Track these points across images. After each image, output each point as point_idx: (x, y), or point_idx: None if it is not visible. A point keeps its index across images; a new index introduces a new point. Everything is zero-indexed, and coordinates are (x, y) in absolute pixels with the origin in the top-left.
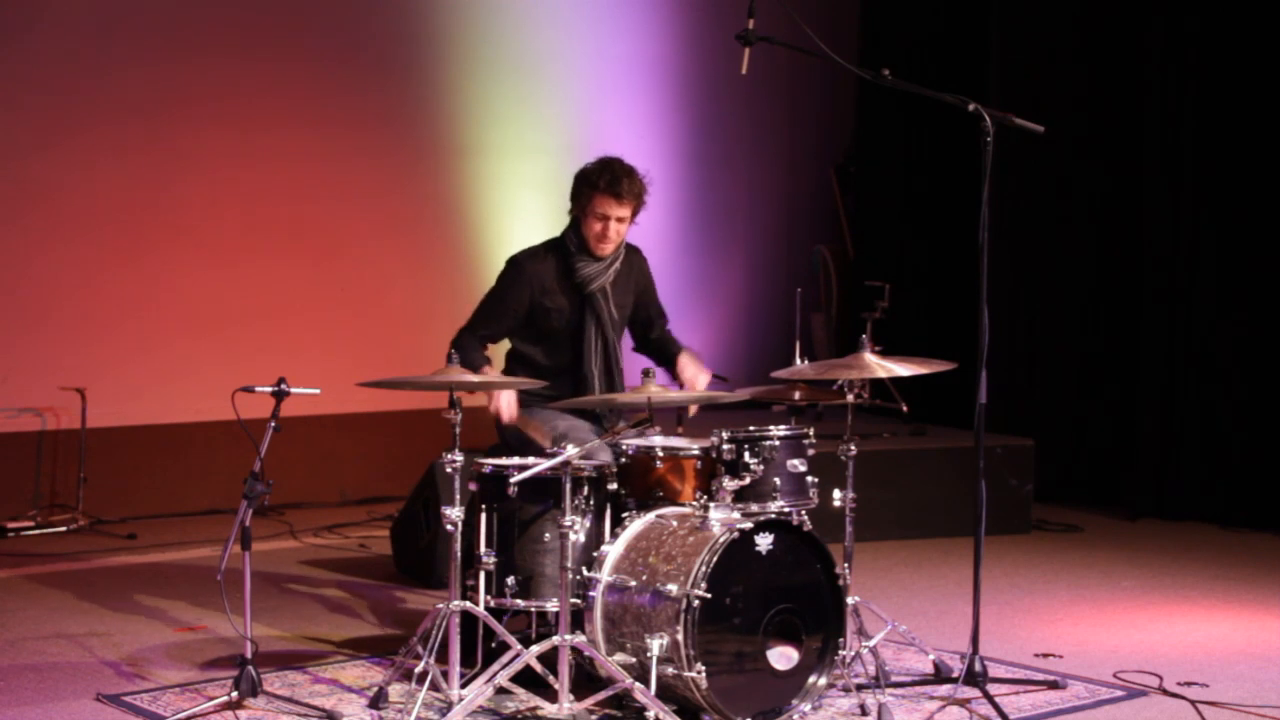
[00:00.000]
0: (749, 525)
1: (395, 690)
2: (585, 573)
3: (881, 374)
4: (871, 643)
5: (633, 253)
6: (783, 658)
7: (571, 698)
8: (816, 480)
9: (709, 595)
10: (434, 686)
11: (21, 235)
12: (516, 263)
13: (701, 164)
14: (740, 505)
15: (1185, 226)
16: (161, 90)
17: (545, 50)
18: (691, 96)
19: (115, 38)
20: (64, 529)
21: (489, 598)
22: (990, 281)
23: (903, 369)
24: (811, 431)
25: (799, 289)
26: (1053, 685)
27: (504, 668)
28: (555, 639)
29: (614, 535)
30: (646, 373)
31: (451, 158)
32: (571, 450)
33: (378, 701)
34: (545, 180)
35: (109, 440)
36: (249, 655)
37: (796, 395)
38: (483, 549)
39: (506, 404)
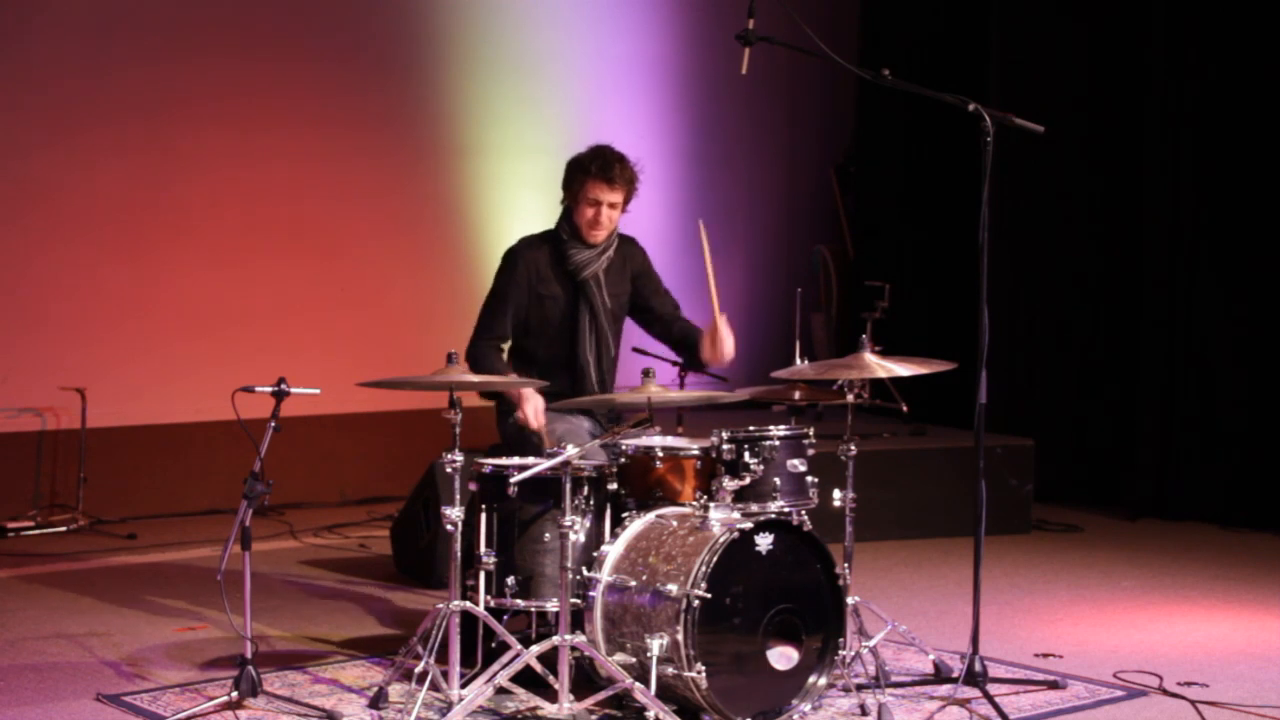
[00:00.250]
0: (749, 525)
1: (395, 690)
2: (585, 573)
3: (881, 374)
4: (871, 643)
5: (627, 242)
6: (783, 658)
7: (571, 698)
8: (816, 480)
9: (709, 595)
10: (434, 686)
11: (21, 235)
12: (513, 253)
13: (701, 164)
14: (740, 505)
15: (1185, 226)
16: (161, 90)
17: (545, 50)
18: (691, 96)
19: (115, 38)
20: (64, 529)
21: (489, 598)
22: (990, 281)
23: (903, 369)
24: (811, 431)
25: (799, 289)
26: (1053, 685)
27: (504, 668)
28: (555, 639)
29: (614, 535)
30: (647, 372)
31: (451, 158)
32: (571, 450)
33: (378, 701)
34: (545, 180)
35: (109, 440)
36: (249, 655)
37: (796, 395)
38: (483, 549)
39: (533, 412)
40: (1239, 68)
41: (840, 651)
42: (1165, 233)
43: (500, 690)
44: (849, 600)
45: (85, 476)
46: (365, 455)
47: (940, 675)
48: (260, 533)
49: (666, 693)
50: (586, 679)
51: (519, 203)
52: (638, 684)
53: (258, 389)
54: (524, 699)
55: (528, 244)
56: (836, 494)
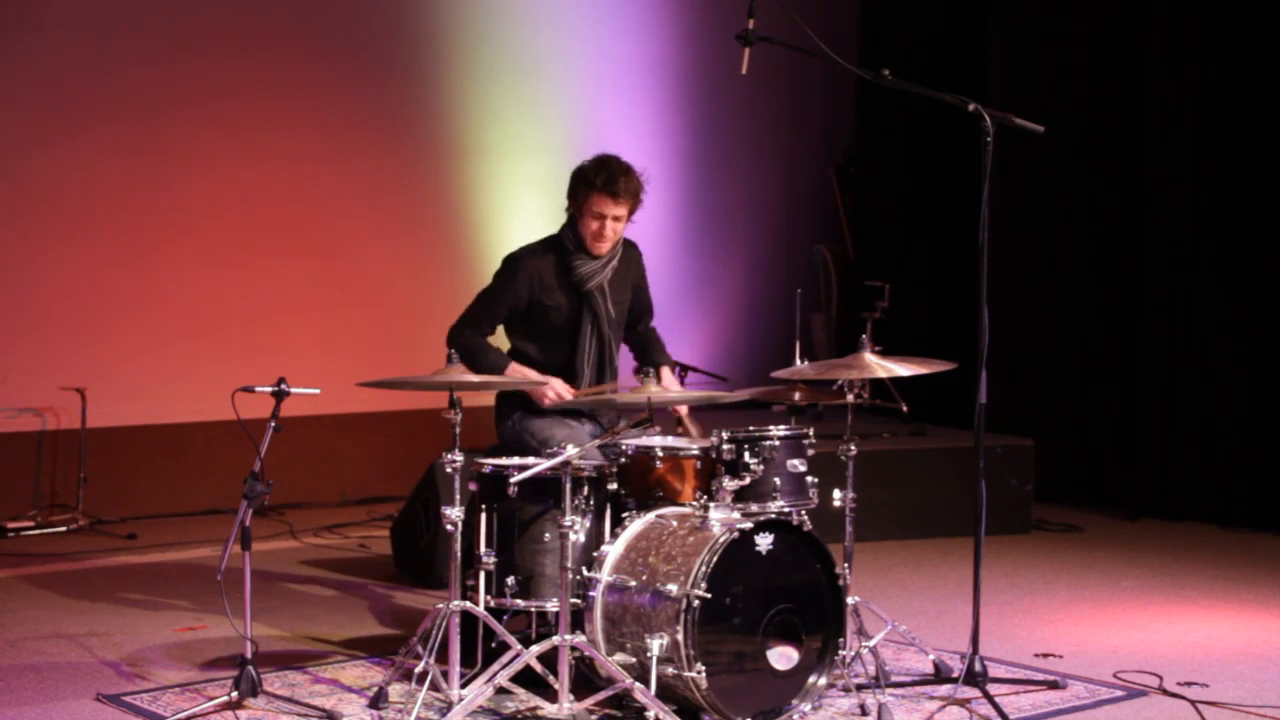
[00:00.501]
0: (749, 525)
1: (395, 690)
2: (585, 573)
3: (881, 374)
4: (871, 643)
5: (629, 248)
6: (783, 658)
7: (571, 698)
8: (816, 480)
9: (709, 595)
10: (434, 686)
11: (21, 235)
12: (515, 259)
13: (701, 164)
14: (740, 505)
15: (1185, 226)
16: (161, 90)
17: (545, 50)
18: (691, 96)
19: (115, 38)
20: (64, 529)
21: (489, 598)
22: (990, 281)
23: (903, 369)
24: (811, 431)
25: (799, 289)
26: (1053, 685)
27: (504, 668)
28: (555, 639)
29: (614, 535)
30: (647, 373)
31: (451, 158)
32: (571, 450)
33: (378, 701)
34: (545, 180)
35: (109, 440)
36: (249, 655)
37: (796, 395)
38: (483, 549)
39: (561, 389)
40: (1238, 68)
41: (840, 651)
42: (1165, 233)
43: (500, 690)
44: (849, 600)
45: (85, 476)
46: (365, 455)
47: (940, 675)
48: (260, 533)
49: (666, 693)
50: (586, 679)
51: (519, 203)
52: (638, 684)
53: (258, 389)
54: (524, 699)
55: (531, 252)
56: (836, 494)
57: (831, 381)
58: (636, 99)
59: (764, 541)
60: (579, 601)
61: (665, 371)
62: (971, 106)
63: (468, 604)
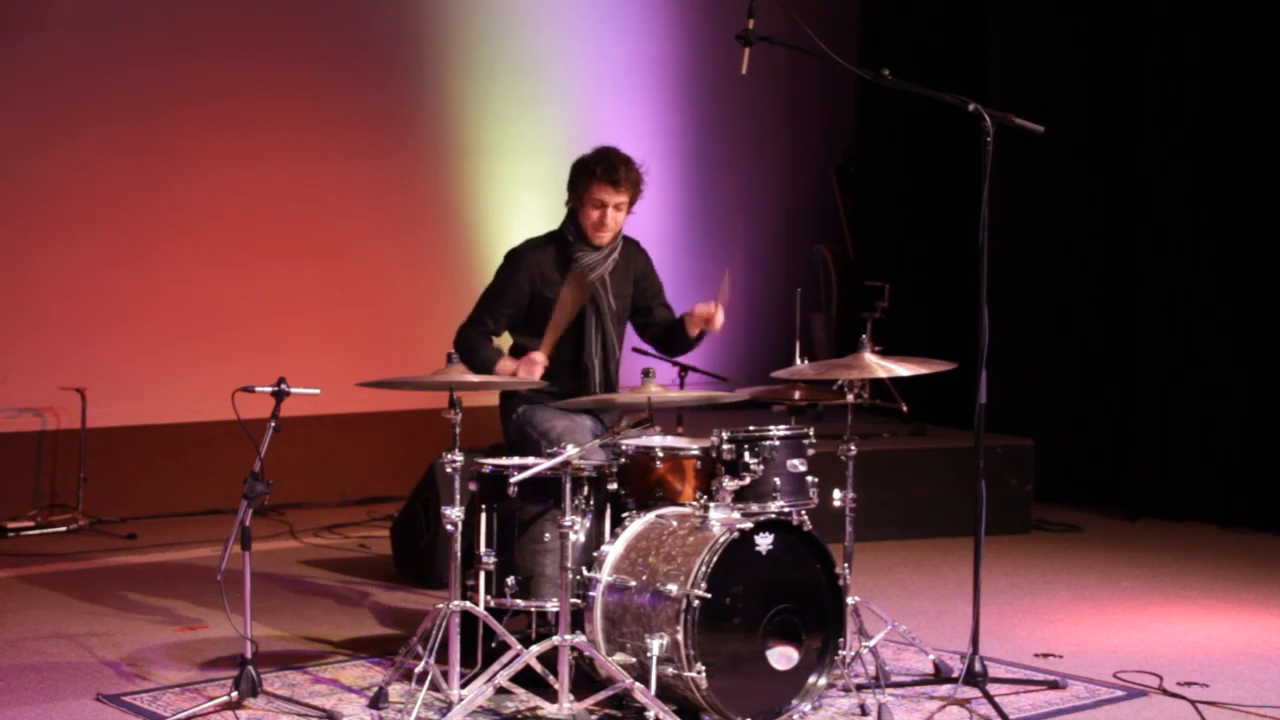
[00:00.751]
0: (749, 525)
1: (395, 690)
2: (585, 573)
3: (881, 374)
4: (871, 643)
5: (630, 244)
6: (783, 658)
7: (571, 698)
8: (816, 480)
9: (709, 595)
10: (434, 686)
11: (21, 235)
12: (516, 254)
13: (701, 164)
14: (740, 505)
15: (1185, 226)
16: (161, 90)
17: (545, 50)
18: (691, 96)
19: (115, 38)
20: (64, 529)
21: (489, 598)
22: (990, 281)
23: (903, 369)
24: (811, 431)
25: (799, 289)
26: (1053, 685)
27: (504, 668)
28: (555, 639)
29: (614, 535)
30: (647, 372)
31: (451, 158)
32: (571, 450)
33: (378, 701)
34: (545, 180)
35: (109, 440)
36: (249, 655)
37: (796, 395)
38: (483, 549)
39: (525, 365)
40: (1238, 67)
41: (840, 651)
42: (1165, 233)
43: (500, 690)
44: (849, 600)
45: (85, 476)
46: (365, 455)
47: (940, 675)
48: (260, 533)
49: (666, 693)
50: (586, 679)
51: (519, 203)
52: (638, 684)
53: (258, 389)
54: (524, 699)
55: (532, 245)
56: (836, 494)
57: (831, 381)
58: (636, 99)
59: (764, 541)
60: (579, 601)
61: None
62: (971, 106)
63: (468, 604)
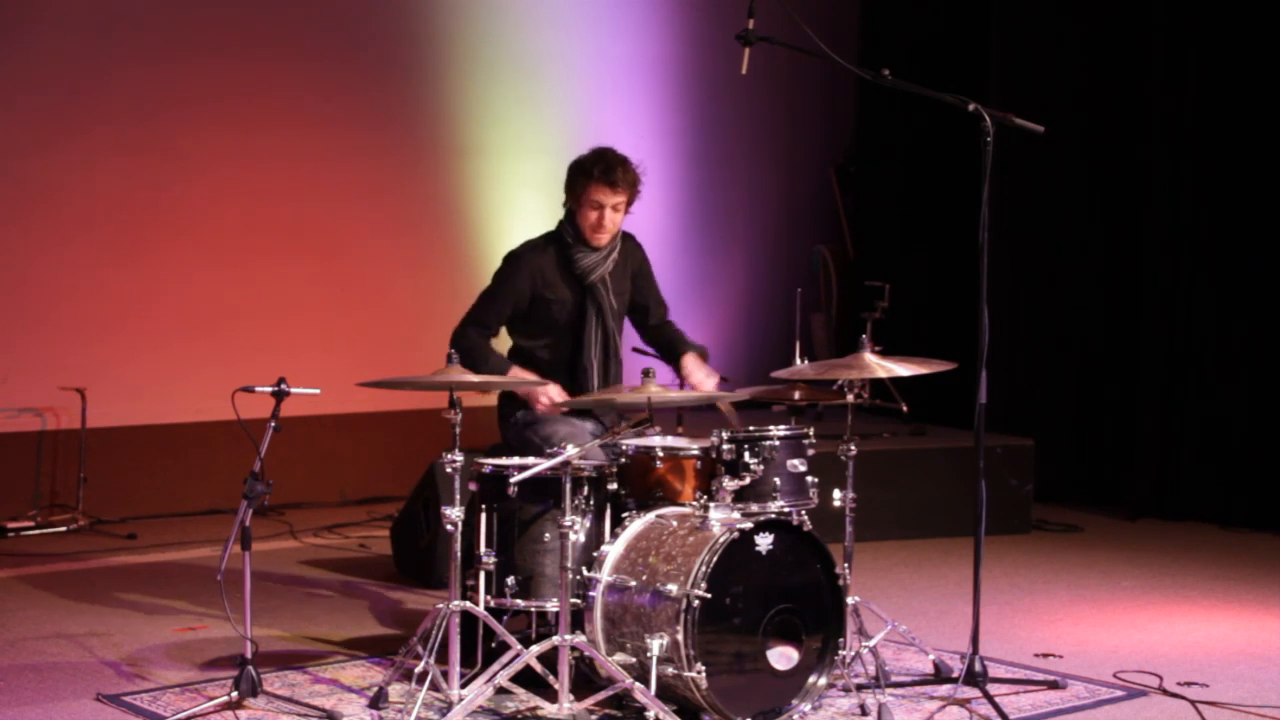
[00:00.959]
0: (749, 525)
1: (395, 690)
2: (585, 573)
3: (881, 374)
4: (871, 643)
5: (628, 240)
6: (783, 658)
7: (571, 698)
8: (816, 480)
9: (709, 595)
10: (434, 686)
11: (21, 235)
12: (516, 256)
13: (701, 164)
14: (740, 505)
15: (1185, 226)
16: (161, 90)
17: (545, 50)
18: (691, 96)
19: (115, 38)
20: (64, 529)
21: (489, 598)
22: (990, 281)
23: (903, 369)
24: (811, 431)
25: (799, 289)
26: (1053, 685)
27: (504, 668)
28: (555, 639)
29: (614, 535)
30: (647, 372)
31: (451, 158)
32: (571, 450)
33: (378, 701)
34: (545, 180)
35: (109, 440)
36: (249, 655)
37: (796, 395)
38: (483, 549)
39: (554, 393)
40: (1239, 67)
41: (840, 651)
42: (1165, 232)
43: (500, 690)
44: (849, 600)
45: (85, 476)
46: (365, 455)
47: (940, 675)
48: (260, 533)
49: (666, 693)
50: (586, 679)
51: (519, 203)
52: (638, 684)
53: (258, 389)
54: (524, 699)
55: (531, 248)
56: (836, 494)
57: (831, 381)
58: (636, 99)
59: (764, 541)
60: (579, 601)
61: (695, 361)
62: (971, 106)
63: (468, 604)
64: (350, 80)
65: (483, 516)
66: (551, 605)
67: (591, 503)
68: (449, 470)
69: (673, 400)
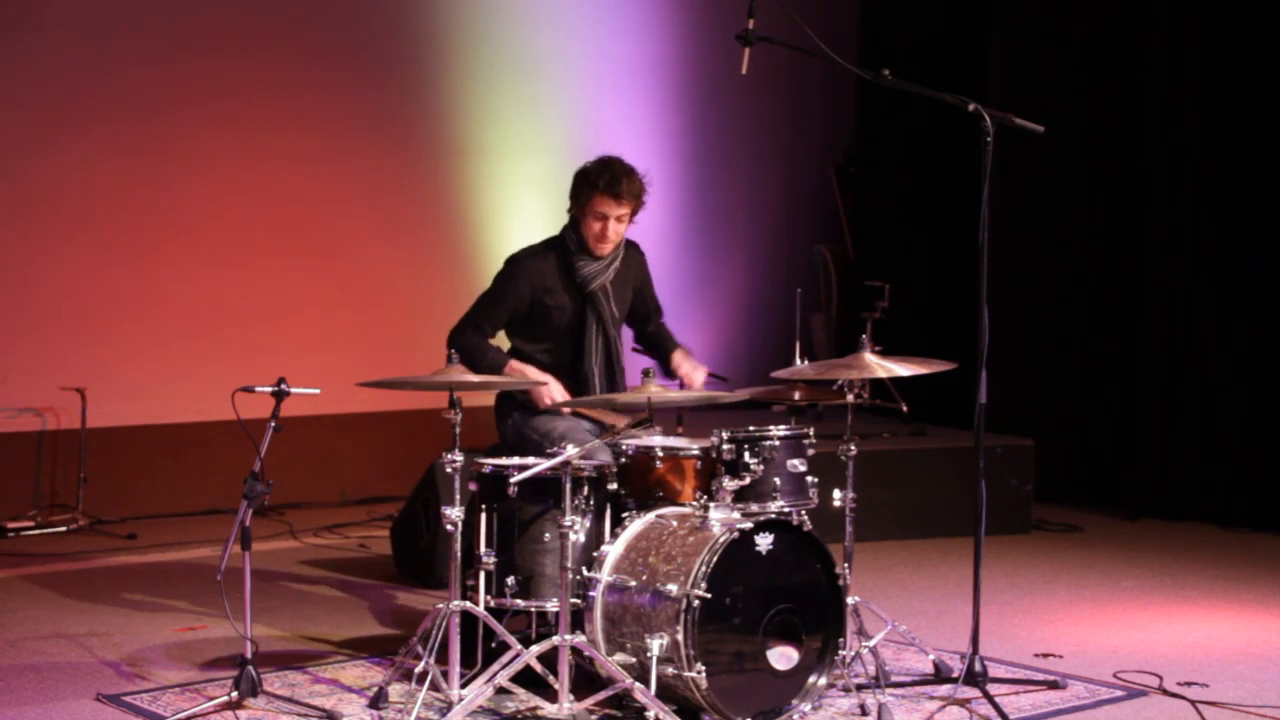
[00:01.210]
0: (749, 525)
1: (395, 690)
2: (585, 573)
3: (881, 374)
4: (871, 643)
5: (631, 248)
6: (783, 658)
7: (571, 698)
8: (816, 480)
9: (709, 595)
10: (434, 686)
11: (21, 235)
12: (516, 261)
13: (701, 164)
14: (740, 505)
15: (1185, 227)
16: (161, 90)
17: (545, 50)
18: (691, 96)
19: (115, 38)
20: (64, 529)
21: (489, 598)
22: (990, 281)
23: (903, 369)
24: (811, 431)
25: (799, 289)
26: (1053, 685)
27: (504, 668)
28: (555, 639)
29: (614, 535)
30: (646, 372)
31: (451, 158)
32: (571, 450)
33: (378, 701)
34: (545, 180)
35: (109, 440)
36: (249, 655)
37: (796, 395)
38: (483, 549)
39: (556, 391)
40: (1239, 67)
41: (840, 651)
42: (1165, 233)
43: (500, 690)
44: (849, 600)
45: (85, 476)
46: (365, 455)
47: (940, 675)
48: (260, 533)
49: (666, 693)
50: (586, 679)
51: (519, 203)
52: (638, 684)
53: (258, 389)
54: (524, 699)
55: (533, 253)
56: (836, 494)
57: (831, 381)
58: (636, 99)
59: (764, 541)
60: (579, 601)
61: (682, 355)
62: (971, 106)
63: (468, 604)
64: (350, 80)
65: (483, 516)
66: (551, 605)
67: (591, 503)
68: (449, 470)
69: (673, 400)
